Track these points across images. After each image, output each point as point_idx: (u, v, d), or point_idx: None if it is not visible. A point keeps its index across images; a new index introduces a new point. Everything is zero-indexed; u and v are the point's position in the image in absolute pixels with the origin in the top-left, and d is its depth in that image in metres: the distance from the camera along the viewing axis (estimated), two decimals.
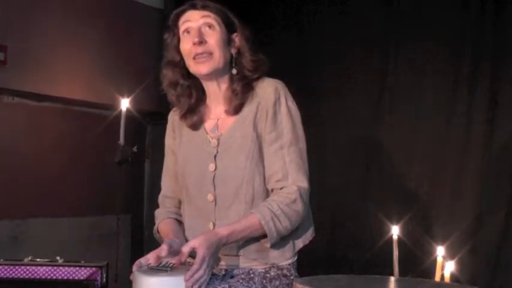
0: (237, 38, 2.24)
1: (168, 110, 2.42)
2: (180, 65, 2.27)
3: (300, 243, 2.26)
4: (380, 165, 3.76)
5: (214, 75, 2.23)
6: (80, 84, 3.80)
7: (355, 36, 3.84)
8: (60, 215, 3.73)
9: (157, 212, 2.41)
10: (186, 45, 2.21)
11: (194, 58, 2.20)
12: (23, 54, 3.48)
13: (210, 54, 2.19)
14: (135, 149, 3.28)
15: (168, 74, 2.29)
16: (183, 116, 2.31)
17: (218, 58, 2.20)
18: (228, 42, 2.23)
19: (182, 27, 2.23)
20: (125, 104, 3.33)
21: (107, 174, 3.75)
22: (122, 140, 3.25)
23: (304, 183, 2.18)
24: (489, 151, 3.46)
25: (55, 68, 3.66)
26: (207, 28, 2.20)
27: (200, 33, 2.19)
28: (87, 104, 3.87)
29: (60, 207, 3.73)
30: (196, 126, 2.30)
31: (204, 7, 2.21)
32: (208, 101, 2.31)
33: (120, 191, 3.58)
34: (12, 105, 3.58)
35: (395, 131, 3.71)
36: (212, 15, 2.20)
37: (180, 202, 2.37)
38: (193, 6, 2.22)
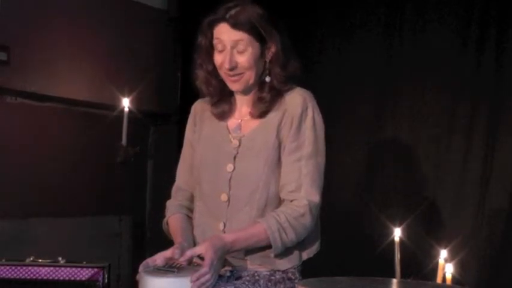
0: (271, 48, 2.22)
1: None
2: (214, 73, 2.27)
3: (304, 255, 2.28)
4: (383, 168, 3.75)
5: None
6: (82, 85, 3.80)
7: (358, 38, 3.85)
8: (62, 215, 3.73)
9: (168, 203, 2.40)
10: (218, 60, 2.22)
11: (225, 73, 2.22)
12: (26, 54, 3.48)
13: (242, 73, 2.20)
14: (138, 149, 3.28)
15: (200, 75, 2.30)
16: (215, 104, 2.32)
17: (249, 77, 2.21)
18: (261, 55, 2.22)
19: (215, 39, 2.22)
20: (126, 103, 3.32)
21: (109, 175, 3.75)
22: (124, 141, 3.25)
23: (316, 198, 2.19)
24: (491, 153, 3.46)
25: (57, 69, 3.66)
26: (238, 48, 2.18)
27: (231, 57, 2.18)
28: (90, 105, 3.87)
29: (62, 208, 3.73)
30: (223, 116, 2.31)
31: (235, 25, 2.17)
32: (235, 98, 2.32)
33: (122, 192, 3.58)
34: (15, 105, 3.58)
35: (398, 133, 3.71)
36: (244, 35, 2.17)
37: (192, 196, 2.37)
38: (226, 20, 2.18)
